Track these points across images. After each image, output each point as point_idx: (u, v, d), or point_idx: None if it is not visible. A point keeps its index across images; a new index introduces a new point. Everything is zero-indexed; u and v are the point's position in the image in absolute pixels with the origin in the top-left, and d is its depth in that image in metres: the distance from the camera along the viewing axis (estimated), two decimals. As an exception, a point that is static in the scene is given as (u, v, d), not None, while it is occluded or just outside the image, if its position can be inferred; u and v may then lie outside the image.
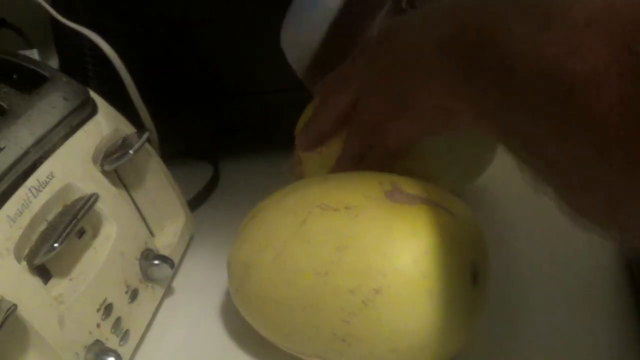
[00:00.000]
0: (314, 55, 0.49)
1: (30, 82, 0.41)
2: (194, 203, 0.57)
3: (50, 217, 0.38)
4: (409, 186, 0.37)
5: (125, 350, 0.41)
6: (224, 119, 0.60)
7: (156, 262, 0.44)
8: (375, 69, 0.42)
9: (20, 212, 0.35)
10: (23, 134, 0.37)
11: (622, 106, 0.24)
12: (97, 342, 0.38)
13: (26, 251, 0.36)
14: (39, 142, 0.38)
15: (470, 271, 0.35)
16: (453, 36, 0.34)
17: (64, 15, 0.55)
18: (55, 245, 0.36)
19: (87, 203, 0.38)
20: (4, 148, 0.36)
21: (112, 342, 0.39)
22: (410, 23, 0.40)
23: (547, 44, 0.27)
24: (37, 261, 0.36)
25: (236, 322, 0.42)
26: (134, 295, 0.42)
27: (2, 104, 0.39)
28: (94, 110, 0.44)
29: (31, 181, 0.37)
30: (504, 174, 0.49)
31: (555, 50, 0.26)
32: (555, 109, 0.27)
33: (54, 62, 0.60)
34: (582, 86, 0.25)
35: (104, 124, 0.44)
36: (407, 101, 0.39)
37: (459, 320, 0.35)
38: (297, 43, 0.49)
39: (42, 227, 0.37)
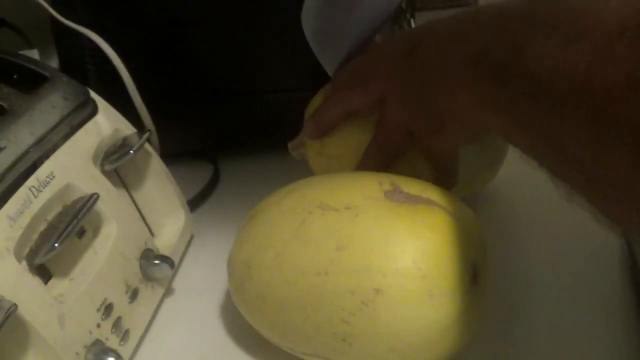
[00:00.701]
0: (348, 53, 0.49)
1: (31, 82, 0.41)
2: (194, 203, 0.57)
3: (50, 217, 0.38)
4: (409, 186, 0.37)
5: (125, 350, 0.41)
6: (224, 119, 0.60)
7: (156, 262, 0.44)
8: (403, 78, 0.41)
9: (21, 212, 0.35)
10: (23, 134, 0.37)
11: None
12: (97, 341, 0.38)
13: (26, 251, 0.36)
14: (39, 142, 0.38)
15: (470, 271, 0.35)
16: (481, 53, 0.34)
17: (64, 15, 0.55)
18: (56, 245, 0.36)
19: (87, 203, 0.38)
20: (4, 148, 0.36)
21: (112, 341, 0.39)
22: (437, 35, 0.40)
23: (580, 55, 0.27)
24: (38, 261, 0.36)
25: (236, 322, 0.42)
26: (134, 295, 0.42)
27: (3, 104, 0.39)
28: (94, 110, 0.44)
29: (31, 181, 0.37)
30: (504, 174, 0.50)
31: (589, 60, 0.26)
32: (589, 118, 0.26)
33: (54, 62, 0.60)
34: (617, 95, 0.25)
35: (104, 124, 0.44)
36: (441, 116, 0.39)
37: (458, 320, 0.35)
38: (330, 36, 0.49)
39: (42, 227, 0.37)
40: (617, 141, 0.26)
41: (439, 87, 0.38)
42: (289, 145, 0.51)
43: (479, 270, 0.36)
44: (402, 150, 0.43)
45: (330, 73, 0.50)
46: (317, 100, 0.49)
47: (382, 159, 0.44)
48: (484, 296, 0.37)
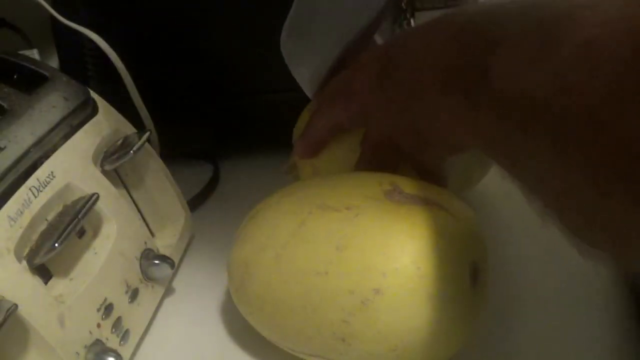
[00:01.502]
0: (328, 73, 0.48)
1: (31, 82, 0.41)
2: (194, 203, 0.57)
3: (50, 217, 0.38)
4: (409, 186, 0.37)
5: (125, 350, 0.41)
6: (224, 119, 0.60)
7: (156, 262, 0.44)
8: (382, 95, 0.41)
9: (21, 212, 0.35)
10: (23, 134, 0.37)
11: (620, 146, 0.23)
12: (98, 341, 0.38)
13: (26, 251, 0.36)
14: (39, 142, 0.38)
15: (470, 271, 0.35)
16: (452, 71, 0.34)
17: (64, 15, 0.55)
18: (56, 245, 0.36)
19: (88, 203, 0.38)
20: (4, 148, 0.36)
21: (112, 341, 0.39)
22: (410, 51, 0.39)
23: (539, 85, 0.27)
24: (38, 261, 0.36)
25: (236, 322, 0.42)
26: (134, 295, 0.42)
27: (3, 103, 0.39)
28: (94, 110, 0.44)
29: (31, 181, 0.37)
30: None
31: (546, 90, 0.26)
32: (557, 141, 0.26)
33: (54, 62, 0.60)
34: (579, 122, 0.25)
35: (104, 124, 0.44)
36: (423, 133, 0.39)
37: (458, 320, 0.35)
38: (306, 62, 0.49)
39: (43, 227, 0.37)
40: (583, 166, 0.25)
41: (416, 105, 0.38)
42: (282, 168, 0.51)
43: (479, 270, 0.36)
44: (391, 165, 0.43)
45: (310, 95, 0.49)
46: (303, 120, 0.49)
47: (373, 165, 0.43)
48: (484, 296, 0.37)
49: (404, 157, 0.42)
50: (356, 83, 0.43)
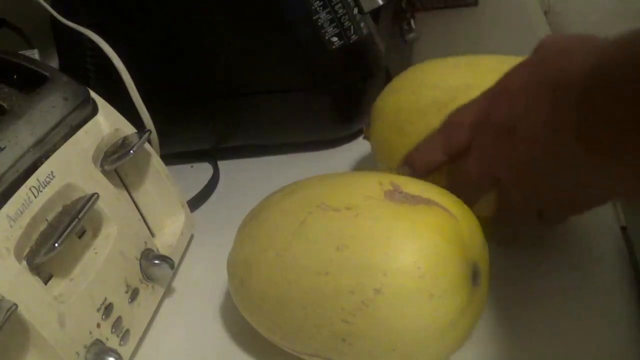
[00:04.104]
0: None
1: (31, 82, 0.41)
2: (194, 203, 0.57)
3: (50, 217, 0.38)
4: (409, 186, 0.37)
5: (125, 350, 0.41)
6: (224, 119, 0.60)
7: (156, 262, 0.44)
8: (509, 159, 0.38)
9: (21, 212, 0.35)
10: (23, 134, 0.37)
11: None
12: (97, 341, 0.38)
13: (26, 251, 0.36)
14: (39, 142, 0.38)
15: (471, 272, 0.35)
16: (591, 143, 0.32)
17: (64, 15, 0.55)
18: (56, 245, 0.36)
19: (88, 203, 0.38)
20: (4, 148, 0.36)
21: (112, 341, 0.39)
22: (532, 124, 0.36)
23: None
24: (38, 261, 0.36)
25: (236, 322, 0.42)
26: (134, 295, 0.42)
27: (3, 104, 0.39)
28: (94, 110, 0.44)
29: (31, 181, 0.37)
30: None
31: None
32: None
33: (54, 62, 0.60)
34: None
35: (104, 124, 0.44)
36: (570, 196, 0.38)
37: (458, 321, 0.35)
38: None
39: (43, 227, 0.37)
40: None
41: (555, 170, 0.36)
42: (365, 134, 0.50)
43: (480, 270, 0.36)
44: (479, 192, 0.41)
45: None
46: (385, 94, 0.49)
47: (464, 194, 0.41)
48: (484, 296, 0.37)
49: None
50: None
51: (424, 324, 0.34)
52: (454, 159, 0.42)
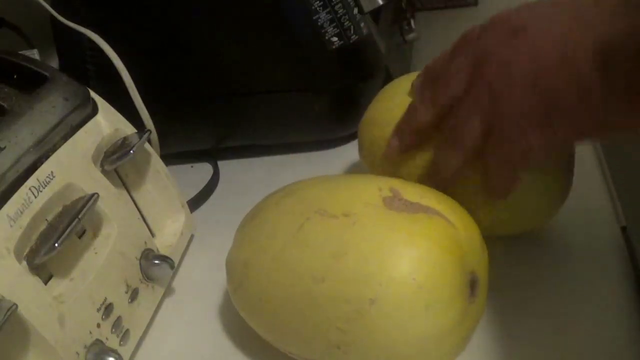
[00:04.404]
0: None
1: (31, 82, 0.41)
2: (194, 203, 0.57)
3: (50, 217, 0.38)
4: (409, 193, 0.37)
5: (125, 350, 0.41)
6: (224, 119, 0.60)
7: (156, 262, 0.44)
8: (502, 65, 0.35)
9: (21, 212, 0.35)
10: (23, 134, 0.37)
11: None
12: (97, 341, 0.38)
13: (26, 251, 0.36)
14: (39, 142, 0.38)
15: (469, 282, 0.35)
16: (610, 48, 0.30)
17: (64, 15, 0.55)
18: (56, 245, 0.36)
19: (88, 203, 0.38)
20: (4, 148, 0.36)
21: (112, 341, 0.39)
22: (547, 21, 0.34)
23: None
24: (38, 261, 0.36)
25: (236, 322, 0.42)
26: (134, 295, 0.42)
27: (3, 104, 0.39)
28: (94, 110, 0.44)
29: (31, 181, 0.37)
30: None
31: None
32: None
33: (54, 62, 0.60)
34: None
35: (104, 124, 0.44)
36: (554, 107, 0.34)
37: (454, 331, 0.34)
38: None
39: (42, 227, 0.37)
40: None
41: (557, 82, 0.33)
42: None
43: (478, 279, 0.36)
44: (469, 148, 0.38)
45: None
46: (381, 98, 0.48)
47: (452, 161, 0.39)
48: (482, 304, 0.36)
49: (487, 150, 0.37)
50: (460, 59, 0.38)
51: (419, 335, 0.34)
52: (439, 117, 0.39)
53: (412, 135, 0.42)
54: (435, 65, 0.41)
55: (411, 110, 0.42)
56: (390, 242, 0.34)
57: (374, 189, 0.37)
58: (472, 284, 0.35)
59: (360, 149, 0.50)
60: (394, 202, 0.36)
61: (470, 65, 0.37)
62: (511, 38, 0.35)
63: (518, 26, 0.35)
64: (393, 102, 0.46)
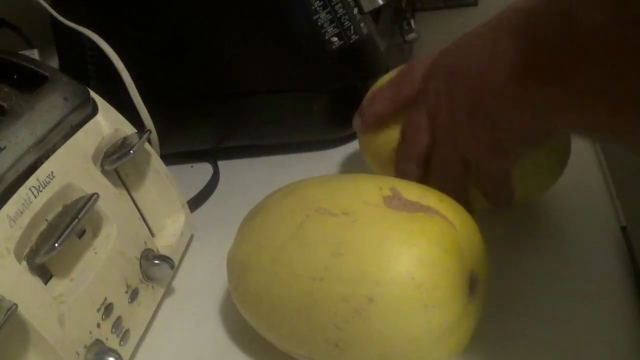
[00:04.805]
0: None
1: (31, 82, 0.41)
2: (194, 203, 0.57)
3: (50, 217, 0.38)
4: (409, 192, 0.37)
5: (125, 350, 0.41)
6: (224, 119, 0.60)
7: (156, 262, 0.44)
8: (447, 103, 0.40)
9: (21, 212, 0.35)
10: (23, 134, 0.37)
11: None
12: (98, 341, 0.38)
13: (26, 251, 0.36)
14: (39, 142, 0.38)
15: (468, 281, 0.35)
16: (527, 57, 0.33)
17: (64, 15, 0.55)
18: (56, 245, 0.36)
19: (87, 203, 0.38)
20: (4, 148, 0.36)
21: (112, 341, 0.39)
22: (471, 51, 0.38)
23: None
24: (38, 261, 0.36)
25: (236, 322, 0.42)
26: (134, 295, 0.42)
27: (3, 104, 0.39)
28: (94, 110, 0.44)
29: (31, 181, 0.37)
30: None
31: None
32: None
33: (54, 62, 0.60)
34: None
35: (104, 124, 0.44)
36: (497, 138, 0.38)
37: (453, 331, 0.34)
38: None
39: (42, 227, 0.37)
40: None
41: (488, 108, 0.37)
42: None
43: (477, 280, 0.35)
44: (460, 180, 0.42)
45: None
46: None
47: (450, 186, 0.41)
48: (482, 304, 0.36)
49: (471, 170, 0.41)
50: (416, 78, 0.43)
51: (417, 334, 0.33)
52: (399, 110, 0.45)
53: (374, 117, 0.47)
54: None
55: (376, 93, 0.48)
56: (389, 241, 0.34)
57: (374, 188, 0.37)
58: (472, 284, 0.35)
59: (364, 149, 0.50)
60: (393, 201, 0.36)
61: (426, 115, 0.42)
62: (449, 78, 0.40)
63: (450, 70, 0.40)
64: None
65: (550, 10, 0.32)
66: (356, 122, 0.48)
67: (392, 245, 0.34)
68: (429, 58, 0.43)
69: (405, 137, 0.44)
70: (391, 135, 0.46)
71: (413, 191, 0.37)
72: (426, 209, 0.35)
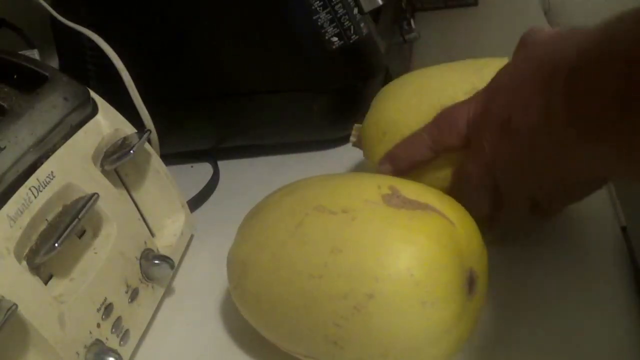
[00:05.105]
0: None
1: (31, 82, 0.41)
2: (194, 203, 0.57)
3: (50, 217, 0.38)
4: (408, 190, 0.37)
5: (125, 350, 0.41)
6: (224, 119, 0.60)
7: (156, 262, 0.44)
8: (506, 155, 0.38)
9: (21, 212, 0.35)
10: (23, 134, 0.37)
11: None
12: (98, 341, 0.38)
13: (26, 251, 0.36)
14: (39, 142, 0.38)
15: (467, 279, 0.35)
16: (579, 106, 0.32)
17: (64, 15, 0.55)
18: (56, 245, 0.36)
19: (88, 203, 0.38)
20: (4, 148, 0.36)
21: (112, 341, 0.39)
22: (524, 102, 0.36)
23: None
24: (38, 261, 0.36)
25: (236, 322, 0.42)
26: (134, 295, 0.42)
27: (3, 104, 0.39)
28: (94, 110, 0.44)
29: (31, 181, 0.37)
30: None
31: None
32: None
33: (54, 62, 0.60)
34: None
35: (104, 124, 0.44)
36: (563, 184, 0.38)
37: (452, 328, 0.34)
38: None
39: (42, 227, 0.37)
40: None
41: (549, 161, 0.36)
42: (351, 140, 0.51)
43: (476, 276, 0.36)
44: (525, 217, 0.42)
45: None
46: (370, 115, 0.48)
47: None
48: (481, 302, 0.36)
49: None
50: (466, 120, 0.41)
51: (416, 331, 0.34)
52: (438, 155, 0.42)
53: (409, 164, 0.44)
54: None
55: (413, 139, 0.44)
56: (388, 238, 0.34)
57: (373, 186, 0.37)
58: (471, 282, 0.35)
59: (366, 149, 0.50)
60: (392, 199, 0.36)
61: (485, 165, 0.40)
62: (502, 133, 0.38)
63: (505, 119, 0.38)
64: (400, 101, 0.46)
65: (610, 69, 0.30)
66: (384, 168, 0.45)
67: (391, 242, 0.34)
68: (470, 102, 0.41)
69: (467, 193, 0.41)
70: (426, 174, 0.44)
71: (412, 189, 0.37)
72: (425, 207, 0.36)
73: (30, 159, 0.37)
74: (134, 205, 0.46)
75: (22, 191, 0.36)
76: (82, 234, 0.41)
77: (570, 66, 0.33)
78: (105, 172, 0.43)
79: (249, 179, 0.60)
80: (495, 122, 0.38)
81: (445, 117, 0.42)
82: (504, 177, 0.39)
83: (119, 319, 0.40)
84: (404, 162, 0.44)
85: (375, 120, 0.48)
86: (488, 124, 0.39)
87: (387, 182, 0.37)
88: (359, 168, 0.57)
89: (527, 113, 0.36)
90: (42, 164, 0.38)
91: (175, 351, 0.43)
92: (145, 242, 0.44)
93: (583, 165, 0.35)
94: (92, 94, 0.45)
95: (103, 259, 0.40)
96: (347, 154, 0.59)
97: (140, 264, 0.43)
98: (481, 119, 0.40)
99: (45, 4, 0.54)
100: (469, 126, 0.41)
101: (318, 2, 0.55)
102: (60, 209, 0.39)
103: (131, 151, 0.44)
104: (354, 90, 0.59)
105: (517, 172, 0.39)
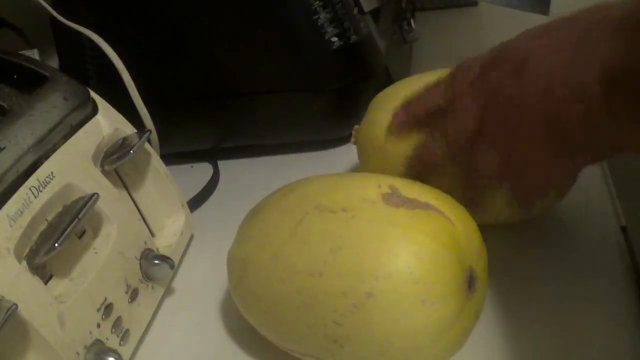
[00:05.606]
0: None
1: (31, 82, 0.42)
2: (194, 203, 0.57)
3: (50, 217, 0.38)
4: (408, 189, 0.37)
5: (125, 350, 0.41)
6: (224, 119, 0.60)
7: (156, 262, 0.44)
8: (518, 121, 0.35)
9: (21, 212, 0.35)
10: (23, 134, 0.37)
11: None
12: (98, 341, 0.38)
13: (26, 251, 0.36)
14: (39, 142, 0.38)
15: (466, 278, 0.35)
16: (617, 71, 0.29)
17: (64, 15, 0.55)
18: (56, 245, 0.36)
19: (88, 203, 0.38)
20: (4, 148, 0.36)
21: (112, 341, 0.39)
22: (549, 49, 0.33)
23: None
24: (38, 261, 0.36)
25: (236, 321, 0.43)
26: (134, 295, 0.42)
27: (3, 104, 0.39)
28: (94, 110, 0.44)
29: (31, 181, 0.37)
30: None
31: None
32: None
33: (54, 62, 0.60)
34: None
35: (104, 124, 0.44)
36: (571, 141, 0.34)
37: (452, 327, 0.34)
38: None
39: (42, 227, 0.37)
40: None
41: (565, 114, 0.33)
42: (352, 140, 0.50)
43: (476, 275, 0.36)
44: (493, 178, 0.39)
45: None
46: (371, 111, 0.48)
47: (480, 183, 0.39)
48: (481, 301, 0.36)
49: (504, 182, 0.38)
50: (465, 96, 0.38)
51: (415, 330, 0.34)
52: (448, 106, 0.40)
53: (424, 110, 0.42)
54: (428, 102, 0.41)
55: (429, 88, 0.42)
56: (387, 237, 0.34)
57: (372, 185, 0.37)
58: (470, 280, 0.35)
59: (361, 162, 0.49)
60: (392, 198, 0.36)
61: (479, 107, 0.37)
62: (514, 75, 0.35)
63: (519, 61, 0.35)
64: (391, 114, 0.46)
65: None
66: (398, 118, 0.43)
67: (390, 240, 0.34)
68: (494, 49, 0.38)
69: (448, 117, 0.39)
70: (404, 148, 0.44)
71: (411, 188, 0.37)
72: (425, 206, 0.36)
73: (30, 159, 0.37)
74: (134, 205, 0.46)
75: (22, 191, 0.36)
76: (82, 234, 0.41)
77: (624, 13, 0.30)
78: (105, 172, 0.43)
79: (249, 179, 0.60)
80: (512, 59, 0.35)
81: (460, 66, 0.41)
82: (496, 122, 0.37)
83: (119, 319, 0.40)
84: (419, 109, 0.42)
85: (365, 132, 0.48)
86: (501, 62, 0.36)
87: (387, 182, 0.37)
88: (359, 168, 0.57)
89: (552, 56, 0.33)
90: (42, 164, 0.38)
91: (175, 351, 0.43)
92: (145, 242, 0.44)
93: (604, 129, 0.32)
94: (92, 94, 0.45)
95: (103, 259, 0.40)
96: (347, 154, 0.59)
97: (140, 264, 0.43)
98: (494, 57, 0.37)
99: (45, 4, 0.54)
100: (479, 70, 0.38)
101: (318, 2, 0.55)
102: (60, 209, 0.39)
103: (131, 151, 0.44)
104: (354, 90, 0.59)
105: (519, 124, 0.35)
